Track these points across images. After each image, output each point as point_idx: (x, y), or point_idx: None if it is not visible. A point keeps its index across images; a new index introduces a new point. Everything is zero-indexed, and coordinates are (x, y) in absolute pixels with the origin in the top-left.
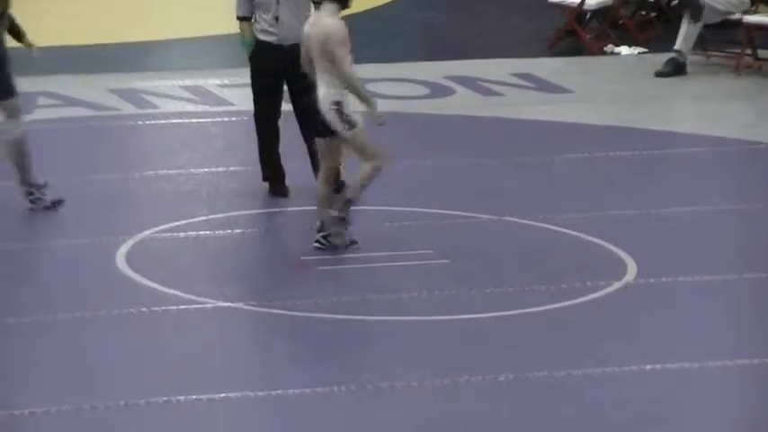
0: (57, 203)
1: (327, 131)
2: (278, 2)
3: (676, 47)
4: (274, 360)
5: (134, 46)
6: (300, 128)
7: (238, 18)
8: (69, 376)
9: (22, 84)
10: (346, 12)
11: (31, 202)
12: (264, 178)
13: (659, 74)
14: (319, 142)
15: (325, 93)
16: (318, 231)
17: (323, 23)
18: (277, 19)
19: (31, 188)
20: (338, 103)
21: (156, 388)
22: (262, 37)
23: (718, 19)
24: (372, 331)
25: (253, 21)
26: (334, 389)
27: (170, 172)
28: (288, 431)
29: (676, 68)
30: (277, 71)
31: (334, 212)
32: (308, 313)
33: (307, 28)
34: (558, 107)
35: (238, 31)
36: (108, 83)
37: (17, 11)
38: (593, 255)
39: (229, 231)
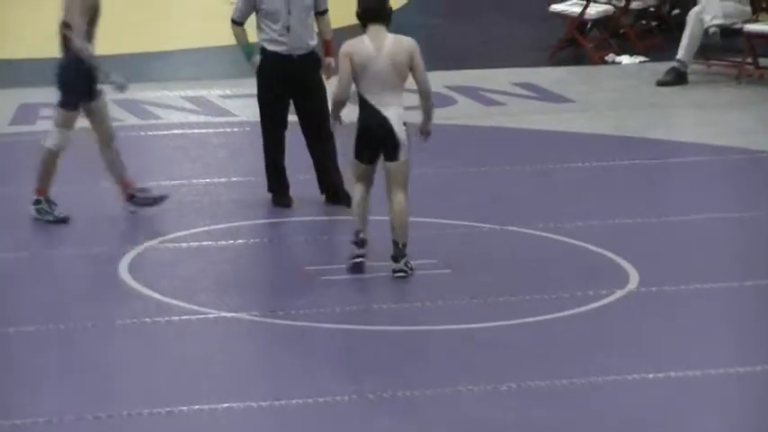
0: (62, 220)
1: (376, 156)
2: (289, 12)
3: (678, 56)
4: (277, 370)
5: (136, 56)
6: (306, 139)
7: (233, 21)
8: (72, 386)
9: (26, 95)
10: (349, 22)
11: (38, 212)
12: (270, 189)
13: (660, 83)
14: (362, 167)
15: (399, 113)
16: (353, 242)
17: (404, 42)
18: (288, 29)
19: (40, 197)
20: (406, 124)
21: (159, 398)
22: (270, 47)
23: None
24: (374, 341)
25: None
26: (336, 398)
27: (172, 182)
28: None
29: (677, 77)
30: (285, 82)
31: (400, 266)
32: (310, 323)
33: (369, 50)
34: (560, 116)
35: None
36: (110, 93)
37: (22, 20)
38: (595, 264)
39: (232, 242)
